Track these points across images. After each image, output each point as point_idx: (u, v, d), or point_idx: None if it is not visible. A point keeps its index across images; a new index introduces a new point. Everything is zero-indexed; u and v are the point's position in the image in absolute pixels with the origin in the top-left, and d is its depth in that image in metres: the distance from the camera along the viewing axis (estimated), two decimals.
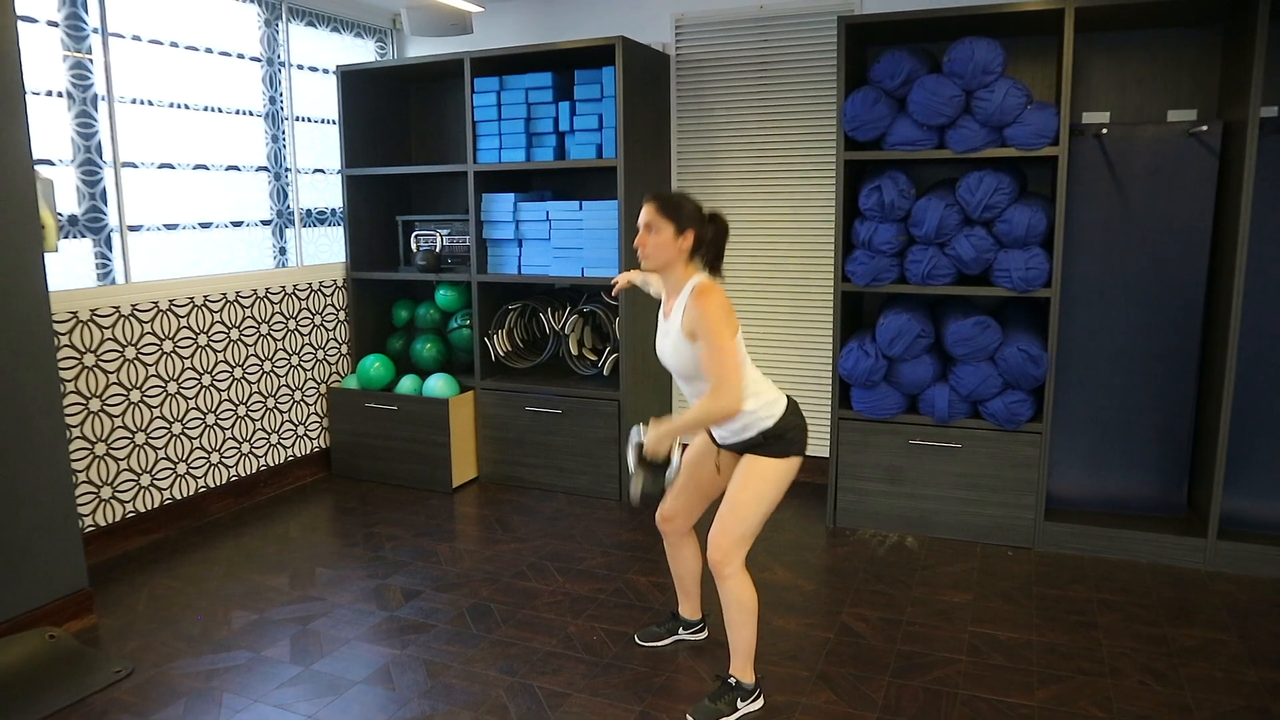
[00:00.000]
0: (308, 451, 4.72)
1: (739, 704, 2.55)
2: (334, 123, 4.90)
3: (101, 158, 3.69)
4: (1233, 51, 3.46)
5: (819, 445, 4.53)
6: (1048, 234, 3.52)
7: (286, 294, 4.51)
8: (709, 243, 2.53)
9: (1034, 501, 3.69)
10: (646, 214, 2.47)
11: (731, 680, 2.58)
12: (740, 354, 2.46)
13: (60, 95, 3.55)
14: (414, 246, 4.80)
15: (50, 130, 3.51)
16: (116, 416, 3.71)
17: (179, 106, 4.06)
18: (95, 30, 3.64)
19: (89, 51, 3.62)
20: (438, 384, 4.54)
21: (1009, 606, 3.22)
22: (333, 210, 4.97)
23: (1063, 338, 3.69)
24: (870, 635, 3.02)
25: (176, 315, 3.94)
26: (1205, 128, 3.44)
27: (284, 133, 4.60)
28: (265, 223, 4.55)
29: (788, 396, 2.58)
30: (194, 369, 4.03)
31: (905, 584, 3.41)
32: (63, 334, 3.48)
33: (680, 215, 2.46)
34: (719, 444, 2.66)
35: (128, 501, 3.79)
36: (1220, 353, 3.41)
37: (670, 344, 2.53)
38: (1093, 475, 3.78)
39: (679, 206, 2.46)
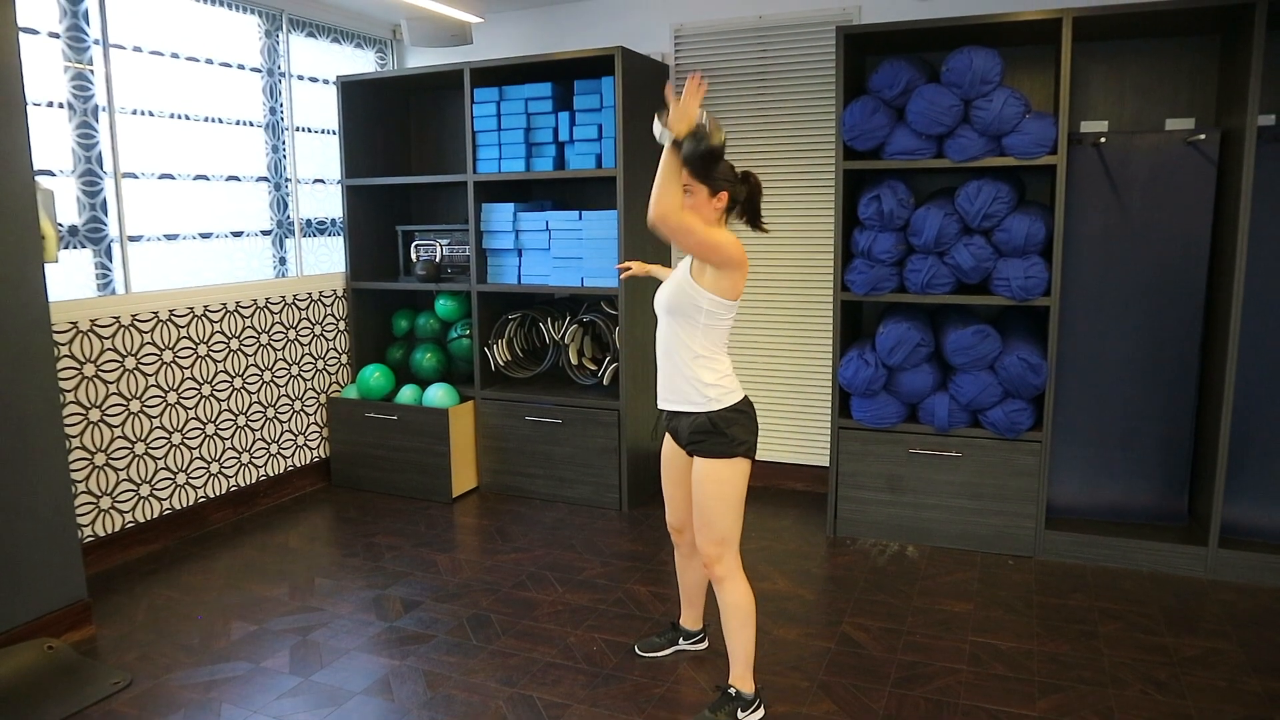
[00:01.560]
0: (307, 461, 4.71)
1: (739, 714, 2.54)
2: (334, 133, 4.91)
3: (102, 168, 3.70)
4: (1230, 60, 3.47)
5: (819, 454, 4.53)
6: (1047, 243, 3.52)
7: (286, 304, 4.51)
8: (743, 202, 2.58)
9: (1034, 510, 3.68)
10: (683, 177, 2.49)
11: (732, 690, 2.57)
12: (722, 337, 2.53)
13: (61, 106, 3.56)
14: (414, 256, 4.81)
15: (51, 141, 3.52)
16: (116, 427, 3.71)
17: (179, 117, 4.07)
18: (96, 41, 3.66)
19: (90, 63, 3.63)
20: (437, 394, 4.54)
21: (1010, 616, 3.21)
22: (333, 220, 4.98)
23: (1062, 346, 3.69)
24: (871, 645, 3.01)
25: (176, 325, 3.94)
26: (1203, 136, 3.45)
27: (284, 143, 4.61)
28: (265, 233, 4.56)
29: (747, 398, 2.58)
30: (194, 379, 4.03)
31: (906, 594, 3.40)
32: (63, 344, 3.48)
33: (714, 176, 2.50)
34: (668, 410, 2.63)
35: (127, 512, 3.79)
36: (1220, 361, 3.41)
37: (675, 277, 2.55)
38: (1093, 484, 3.78)
39: (712, 168, 2.49)
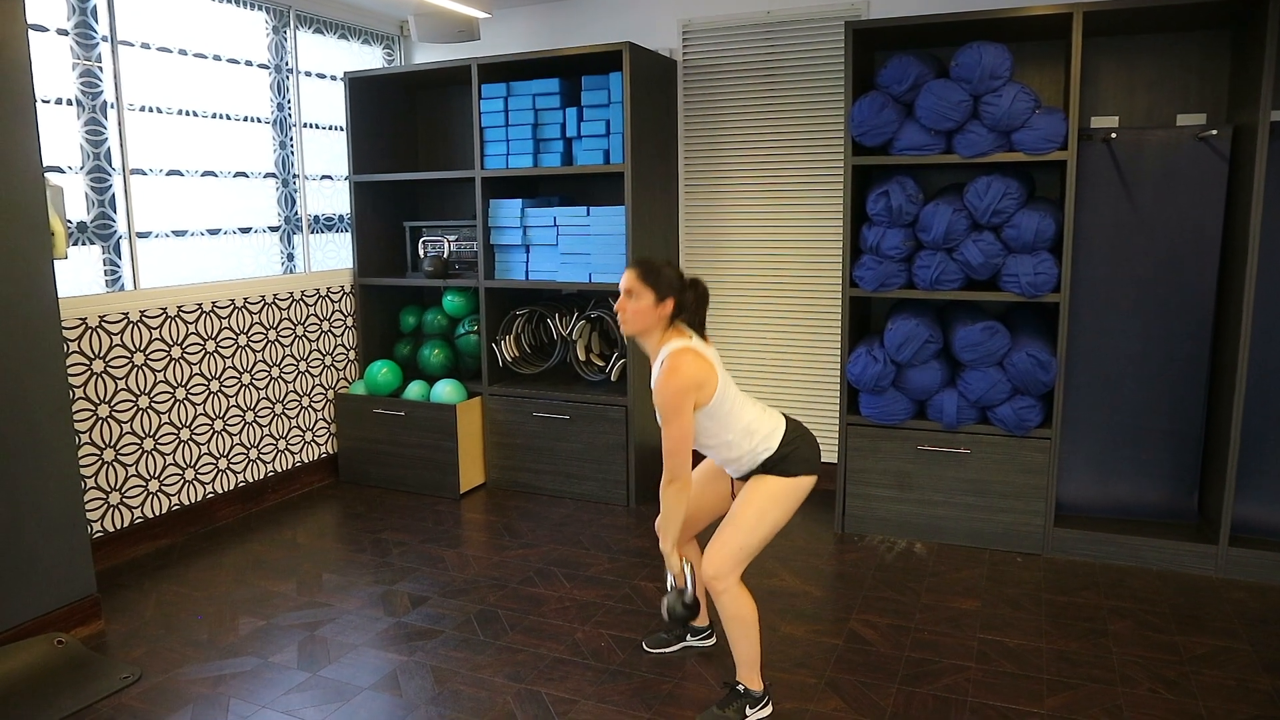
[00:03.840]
0: (315, 457, 4.72)
1: (747, 711, 2.54)
2: (342, 129, 4.91)
3: (110, 165, 3.71)
4: (1242, 55, 3.44)
5: (827, 451, 4.51)
6: (1056, 239, 3.51)
7: (294, 300, 4.52)
8: (690, 308, 2.57)
9: (1043, 507, 3.67)
10: (627, 280, 2.52)
11: (740, 687, 2.57)
12: (731, 398, 2.52)
13: (70, 103, 3.57)
14: (421, 252, 4.81)
15: (60, 138, 3.53)
16: (125, 422, 3.72)
17: (187, 114, 4.07)
18: (104, 38, 3.66)
19: (98, 59, 3.64)
20: (445, 390, 4.55)
21: (1018, 613, 3.20)
22: (340, 216, 4.98)
23: (1072, 343, 3.67)
24: (879, 642, 3.00)
25: (185, 321, 3.95)
26: (1215, 132, 3.42)
27: (292, 139, 4.62)
28: (273, 229, 4.56)
29: (788, 420, 2.60)
30: (202, 375, 4.04)
31: (914, 590, 3.39)
32: (72, 340, 3.49)
33: (660, 283, 2.49)
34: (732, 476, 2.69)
35: (136, 507, 3.80)
36: (1231, 358, 3.39)
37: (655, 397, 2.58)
38: (1102, 481, 3.76)
39: (659, 274, 2.50)
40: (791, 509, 2.56)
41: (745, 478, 2.62)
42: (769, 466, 2.54)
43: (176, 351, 3.92)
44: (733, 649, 2.58)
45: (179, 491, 3.98)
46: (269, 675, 2.84)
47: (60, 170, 3.54)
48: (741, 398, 2.57)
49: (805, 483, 2.56)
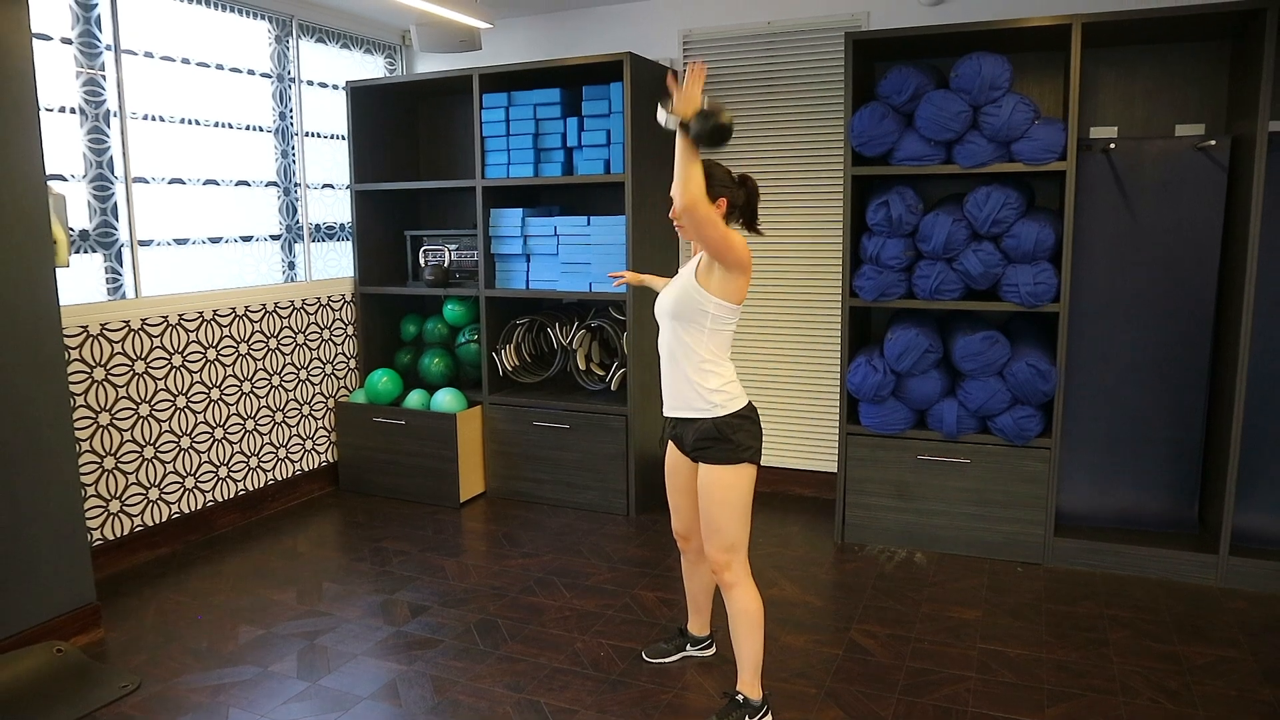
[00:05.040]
0: (315, 466, 4.72)
1: None
2: (343, 138, 4.93)
3: (113, 173, 3.72)
4: (1240, 66, 3.46)
5: (827, 460, 4.52)
6: (1056, 249, 3.51)
7: (295, 308, 4.52)
8: (742, 206, 2.56)
9: (1043, 517, 3.67)
10: None
11: (739, 697, 2.57)
12: (727, 343, 2.53)
13: (73, 111, 3.58)
14: (422, 261, 4.82)
15: (63, 146, 3.54)
16: (125, 430, 3.72)
17: (190, 122, 4.09)
18: (108, 47, 3.68)
19: (102, 68, 3.65)
20: (445, 399, 4.55)
21: (1018, 623, 3.19)
22: (342, 225, 4.99)
23: (1071, 352, 3.68)
24: (879, 652, 3.00)
25: (186, 329, 3.95)
26: (1213, 142, 3.44)
27: (294, 148, 4.63)
28: (274, 237, 4.57)
29: (751, 404, 2.57)
30: (203, 383, 4.05)
31: (914, 600, 3.39)
32: (73, 348, 3.49)
33: (712, 184, 2.47)
34: (672, 418, 2.63)
35: (136, 515, 3.80)
36: (1231, 367, 3.39)
37: (678, 283, 2.55)
38: (1102, 491, 3.76)
39: (710, 175, 2.47)
40: (749, 490, 2.53)
41: (686, 443, 2.59)
42: (713, 439, 2.49)
43: (177, 359, 3.93)
44: (736, 650, 2.57)
45: (179, 499, 3.98)
46: (268, 684, 2.83)
47: (63, 178, 3.55)
48: (729, 347, 2.58)
49: (751, 470, 2.54)
